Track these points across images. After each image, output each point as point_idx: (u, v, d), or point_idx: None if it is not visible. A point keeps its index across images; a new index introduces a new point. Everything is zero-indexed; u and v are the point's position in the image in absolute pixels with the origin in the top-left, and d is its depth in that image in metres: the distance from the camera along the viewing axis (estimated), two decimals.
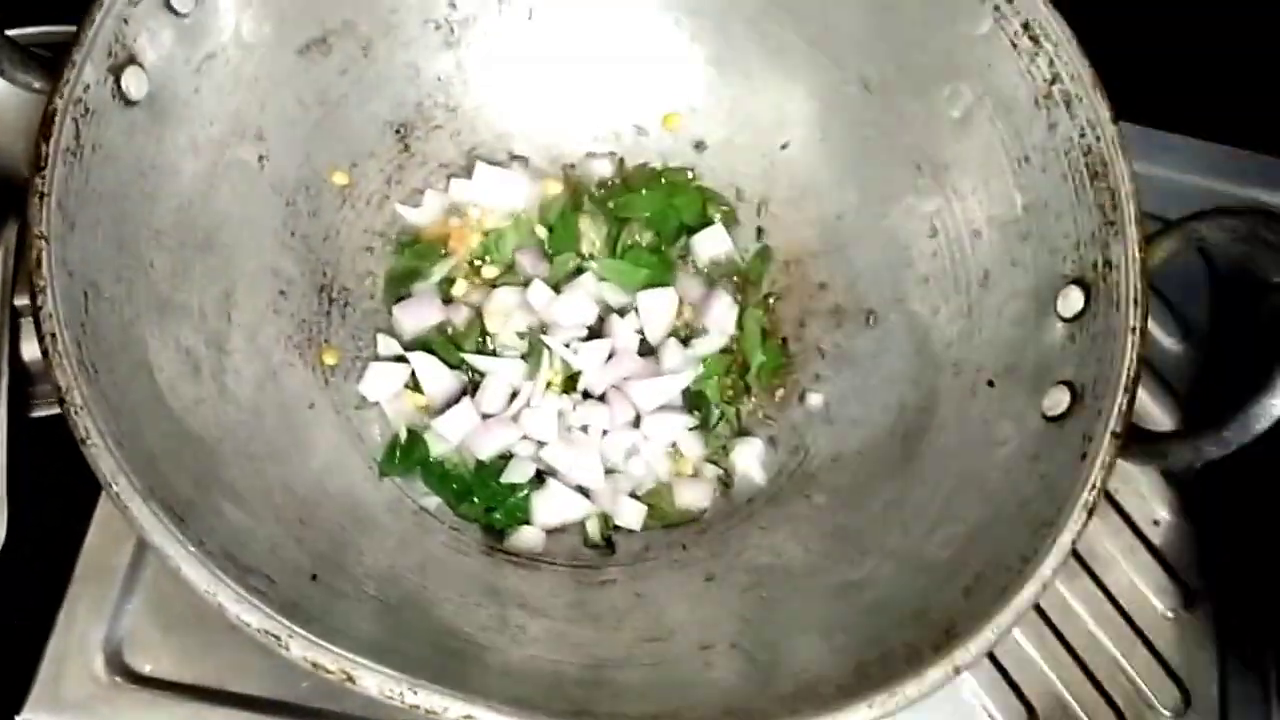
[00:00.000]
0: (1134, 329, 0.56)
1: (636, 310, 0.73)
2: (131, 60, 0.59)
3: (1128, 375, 0.55)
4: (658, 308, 0.74)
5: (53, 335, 0.51)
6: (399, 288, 0.73)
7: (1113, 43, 0.65)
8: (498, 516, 0.67)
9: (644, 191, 0.78)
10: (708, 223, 0.78)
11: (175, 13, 0.61)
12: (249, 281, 0.67)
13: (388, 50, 0.73)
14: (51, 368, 0.51)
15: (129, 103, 0.59)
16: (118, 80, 0.58)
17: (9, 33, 0.59)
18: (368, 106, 0.73)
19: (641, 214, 0.77)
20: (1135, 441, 0.55)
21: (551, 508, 0.67)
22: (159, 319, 0.60)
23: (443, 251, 0.75)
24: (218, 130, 0.65)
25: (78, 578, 0.68)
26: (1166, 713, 0.72)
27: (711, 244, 0.77)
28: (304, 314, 0.70)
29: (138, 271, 0.59)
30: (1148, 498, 0.77)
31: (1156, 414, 0.79)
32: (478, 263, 0.75)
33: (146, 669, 0.66)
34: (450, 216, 0.76)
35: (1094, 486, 0.54)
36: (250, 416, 0.63)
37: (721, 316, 0.74)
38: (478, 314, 0.72)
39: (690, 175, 0.78)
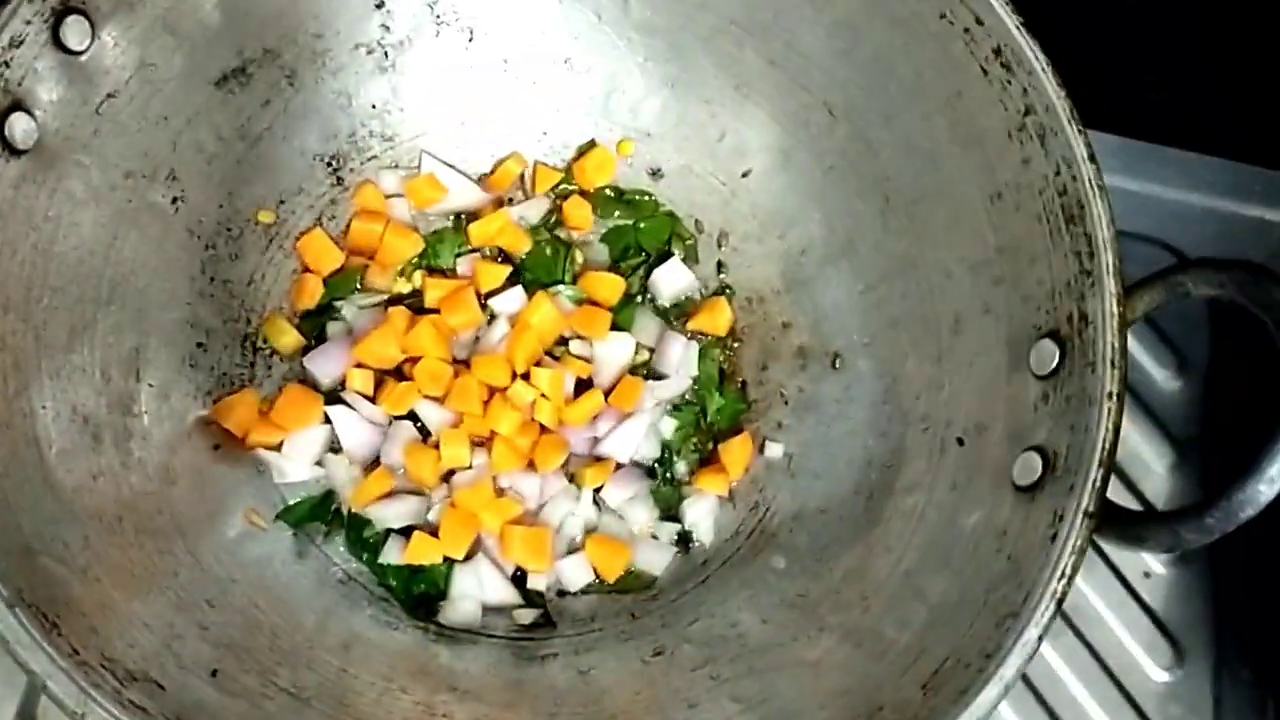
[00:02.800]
0: (1110, 394, 0.51)
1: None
2: (17, 106, 0.54)
3: (1103, 449, 0.50)
4: (614, 356, 0.69)
5: None
6: (313, 329, 0.68)
7: (1101, 50, 0.59)
8: (417, 588, 0.62)
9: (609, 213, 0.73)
10: (667, 254, 0.72)
11: (68, 51, 0.56)
12: (162, 335, 0.62)
13: (315, 78, 0.68)
14: None
15: (15, 152, 0.54)
16: (1, 129, 0.53)
17: None
18: (295, 139, 0.68)
19: (619, 243, 0.72)
20: (1110, 523, 0.50)
21: (469, 586, 0.62)
22: (53, 385, 0.55)
23: (358, 284, 0.69)
24: (122, 173, 0.60)
25: None
26: None
27: (672, 279, 0.72)
28: (225, 367, 0.65)
29: (27, 335, 0.55)
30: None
31: (1148, 456, 0.74)
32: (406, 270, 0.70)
33: None
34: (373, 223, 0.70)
35: (1064, 575, 0.49)
36: (159, 485, 0.59)
37: (679, 359, 0.69)
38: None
39: (652, 200, 0.73)
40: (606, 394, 0.67)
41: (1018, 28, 0.57)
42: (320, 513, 0.63)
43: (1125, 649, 0.70)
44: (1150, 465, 0.74)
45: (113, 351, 0.59)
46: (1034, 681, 0.68)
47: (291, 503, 0.63)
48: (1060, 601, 0.49)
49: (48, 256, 0.56)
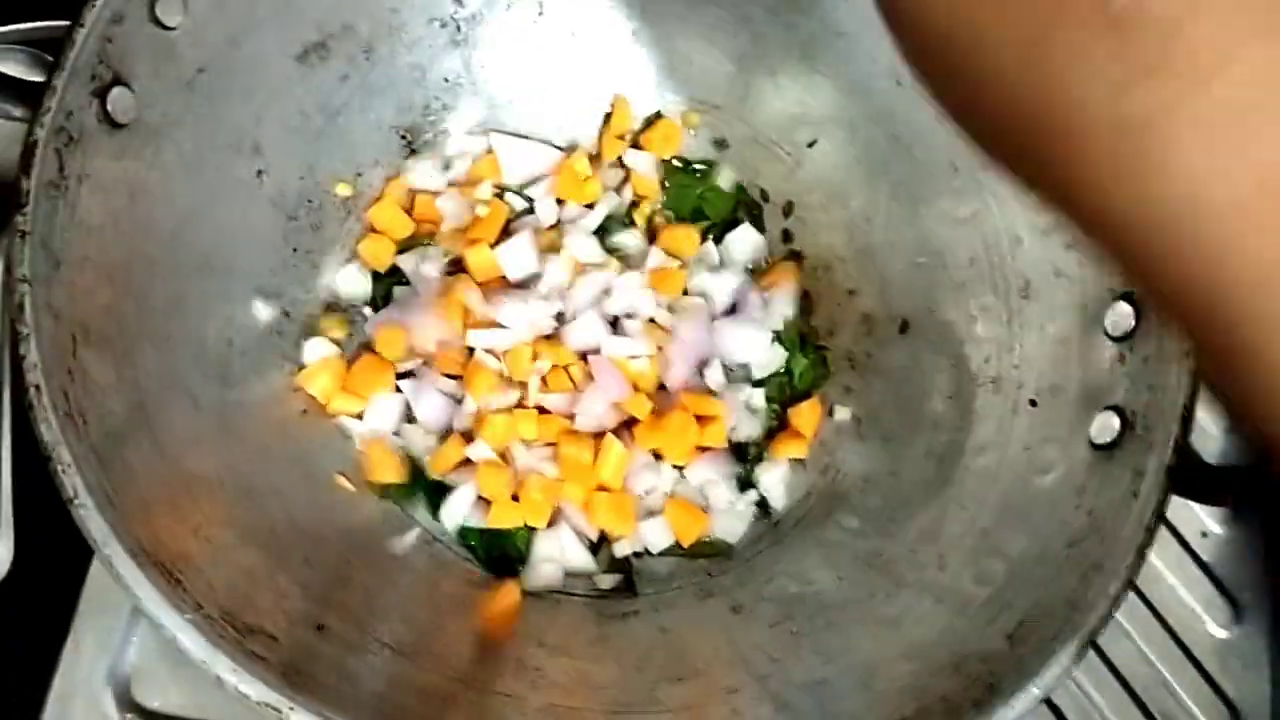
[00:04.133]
0: (1188, 353, 0.53)
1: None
2: (117, 81, 0.55)
3: (1183, 404, 0.52)
4: (743, 244, 0.71)
5: (36, 387, 0.48)
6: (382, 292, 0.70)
7: None
8: (498, 551, 0.64)
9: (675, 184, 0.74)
10: (736, 221, 0.74)
11: (163, 27, 0.58)
12: (250, 304, 0.64)
13: (390, 52, 0.69)
14: (35, 422, 0.48)
15: (116, 126, 0.56)
16: (104, 103, 0.55)
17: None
18: (371, 112, 0.70)
19: (684, 206, 0.74)
20: (1193, 477, 0.51)
21: (551, 550, 0.64)
22: (155, 353, 0.57)
23: (427, 241, 0.71)
24: (212, 147, 0.62)
25: (83, 610, 0.66)
26: None
27: (744, 244, 0.73)
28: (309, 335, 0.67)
29: (130, 305, 0.56)
30: (1196, 509, 0.73)
31: (1202, 417, 0.75)
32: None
33: (155, 704, 0.65)
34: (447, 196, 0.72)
35: (1147, 528, 0.50)
36: (254, 450, 0.60)
37: (765, 312, 0.70)
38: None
39: (718, 170, 0.74)
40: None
41: None
42: (418, 486, 0.65)
43: (1184, 605, 0.71)
44: (1206, 428, 0.75)
45: (205, 320, 0.61)
46: (1096, 640, 0.70)
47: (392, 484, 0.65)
48: (1143, 555, 0.50)
49: (147, 228, 0.58)
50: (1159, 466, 0.51)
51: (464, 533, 0.64)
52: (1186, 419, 0.52)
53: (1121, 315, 0.57)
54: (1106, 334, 0.57)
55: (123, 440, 0.52)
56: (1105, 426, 0.55)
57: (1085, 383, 0.58)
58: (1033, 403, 0.60)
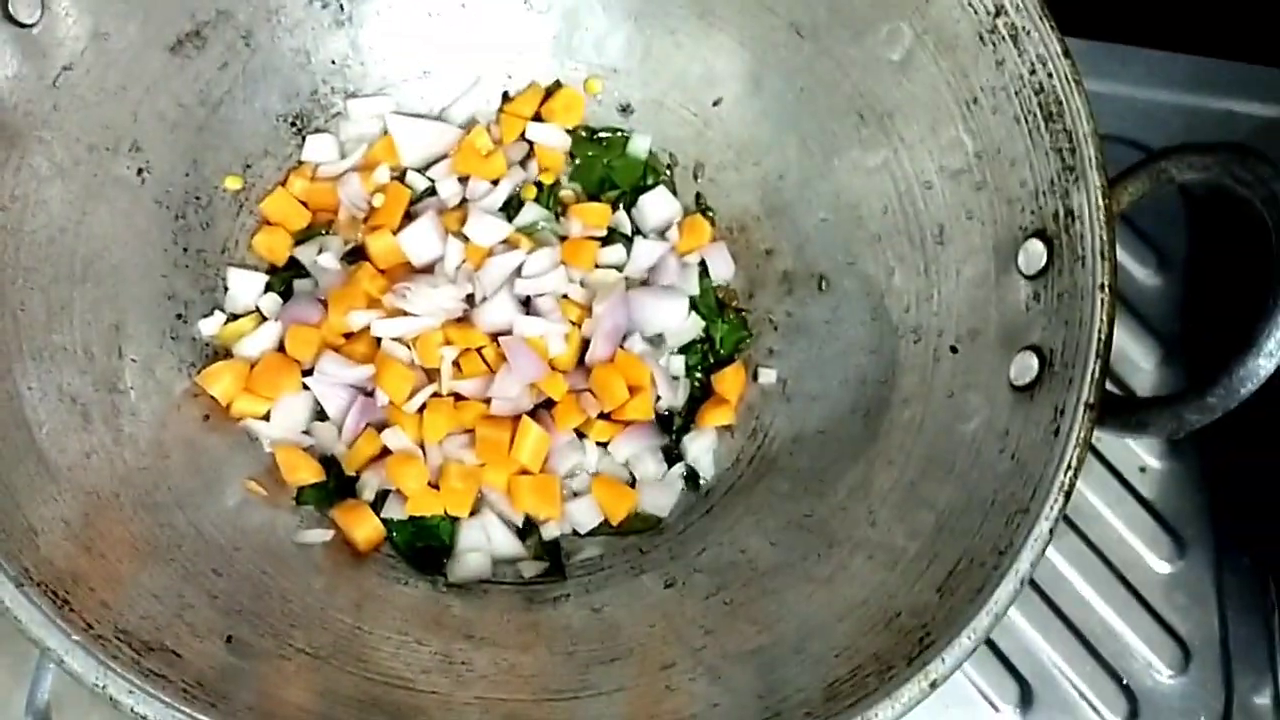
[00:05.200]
0: (1102, 286, 0.51)
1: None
2: None
3: (1098, 340, 0.51)
4: (656, 208, 0.69)
5: None
6: (281, 286, 0.67)
7: None
8: (421, 543, 0.62)
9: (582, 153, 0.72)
10: (646, 187, 0.72)
11: (18, 24, 0.55)
12: (140, 309, 0.61)
13: (271, 37, 0.66)
14: None
15: None
16: None
17: None
18: (256, 101, 0.67)
19: (591, 177, 0.72)
20: (1111, 412, 0.50)
21: (477, 539, 0.62)
22: (36, 366, 0.54)
23: (324, 231, 0.68)
24: (85, 147, 0.59)
25: None
26: (1168, 672, 0.68)
27: (658, 207, 0.71)
28: (207, 338, 0.64)
29: (6, 318, 0.54)
30: (1133, 445, 0.72)
31: (1135, 354, 0.75)
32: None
33: None
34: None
35: (1069, 467, 0.49)
36: (153, 459, 0.58)
37: (682, 278, 0.69)
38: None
39: (623, 136, 0.72)
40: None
41: None
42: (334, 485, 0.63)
43: (1126, 544, 0.71)
44: (1137, 363, 0.74)
45: (93, 329, 0.58)
46: (1039, 583, 0.69)
47: (308, 485, 0.62)
48: (1068, 494, 0.49)
49: (18, 237, 0.55)
50: (1079, 403, 0.50)
51: (385, 525, 0.62)
52: (1104, 353, 0.50)
53: (1034, 253, 0.55)
54: (1020, 273, 0.56)
55: (2, 460, 0.49)
56: (1024, 367, 0.54)
57: (1003, 324, 0.56)
58: (953, 349, 0.59)
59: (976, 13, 0.57)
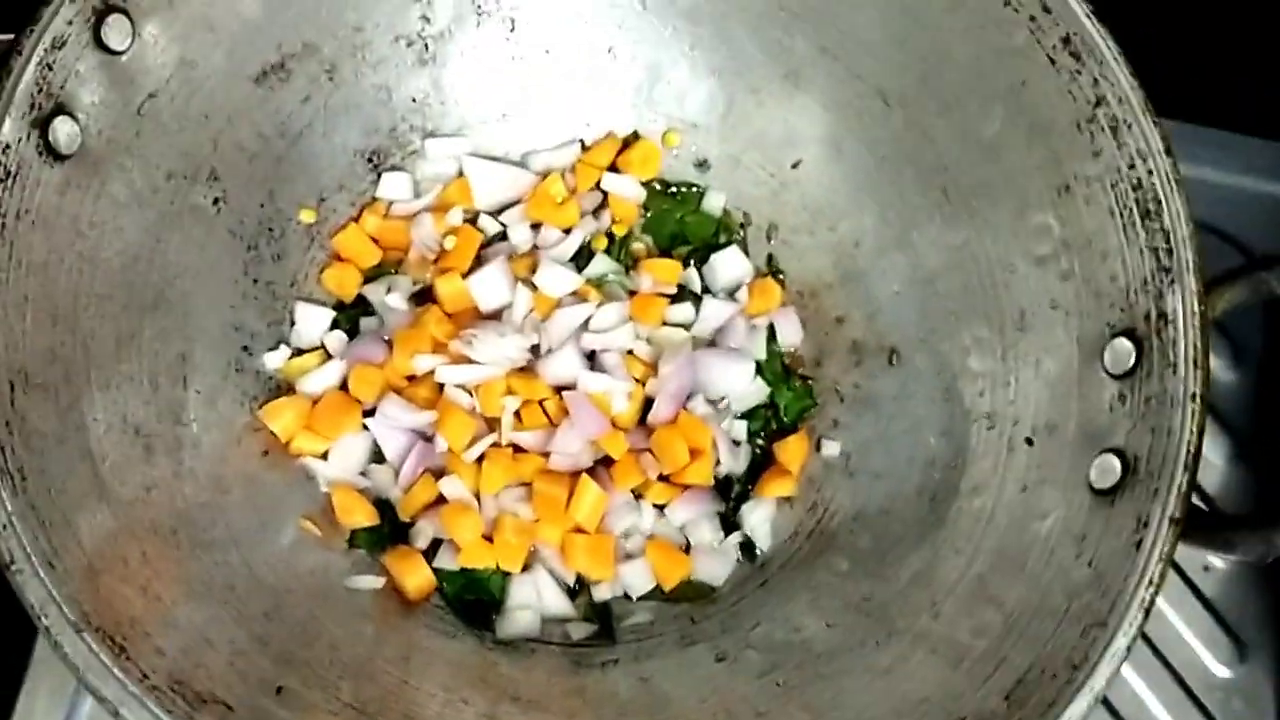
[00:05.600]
0: (1195, 396, 0.50)
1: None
2: (60, 110, 0.52)
3: (1187, 452, 0.49)
4: (728, 268, 0.68)
5: None
6: (349, 323, 0.67)
7: (1166, 32, 0.57)
8: (471, 596, 0.61)
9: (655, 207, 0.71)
10: (718, 245, 0.71)
11: (110, 51, 0.54)
12: (208, 340, 0.61)
13: (355, 72, 0.66)
14: None
15: (59, 157, 0.53)
16: (44, 133, 0.52)
17: None
18: (335, 135, 0.67)
19: (663, 231, 0.71)
20: (1196, 526, 0.48)
21: (527, 596, 0.61)
22: (103, 397, 0.54)
23: (394, 270, 0.68)
24: (165, 175, 0.59)
25: (35, 665, 0.62)
26: None
27: (729, 267, 0.70)
28: (271, 371, 0.64)
29: (76, 347, 0.53)
30: None
31: (1207, 448, 0.72)
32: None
33: None
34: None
35: (1151, 583, 0.48)
36: (211, 495, 0.57)
37: (749, 340, 0.67)
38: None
39: (698, 192, 0.71)
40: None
41: (1088, 15, 0.55)
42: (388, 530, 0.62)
43: (1186, 644, 0.69)
44: (1209, 457, 0.73)
45: (160, 359, 0.58)
46: None
47: (362, 528, 0.62)
48: (1148, 611, 0.48)
49: (94, 264, 0.55)
50: (1163, 516, 0.49)
51: (437, 574, 0.61)
52: (1192, 466, 0.49)
53: (1121, 352, 0.54)
54: (1106, 371, 0.55)
55: (65, 495, 0.49)
56: (1106, 470, 0.53)
57: (1084, 422, 0.55)
58: (1029, 441, 0.58)
59: (1076, 100, 0.56)
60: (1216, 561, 0.70)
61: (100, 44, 0.54)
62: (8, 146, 0.50)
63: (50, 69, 0.52)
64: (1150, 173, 0.53)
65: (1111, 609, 0.48)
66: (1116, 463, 0.52)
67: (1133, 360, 0.53)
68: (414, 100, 0.69)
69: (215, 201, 0.61)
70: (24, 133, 0.50)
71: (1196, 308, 0.51)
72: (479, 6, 0.67)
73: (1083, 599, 0.50)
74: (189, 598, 0.51)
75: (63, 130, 0.52)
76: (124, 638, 0.45)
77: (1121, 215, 0.55)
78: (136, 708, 0.43)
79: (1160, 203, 0.53)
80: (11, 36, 0.51)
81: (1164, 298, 0.52)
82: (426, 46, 0.67)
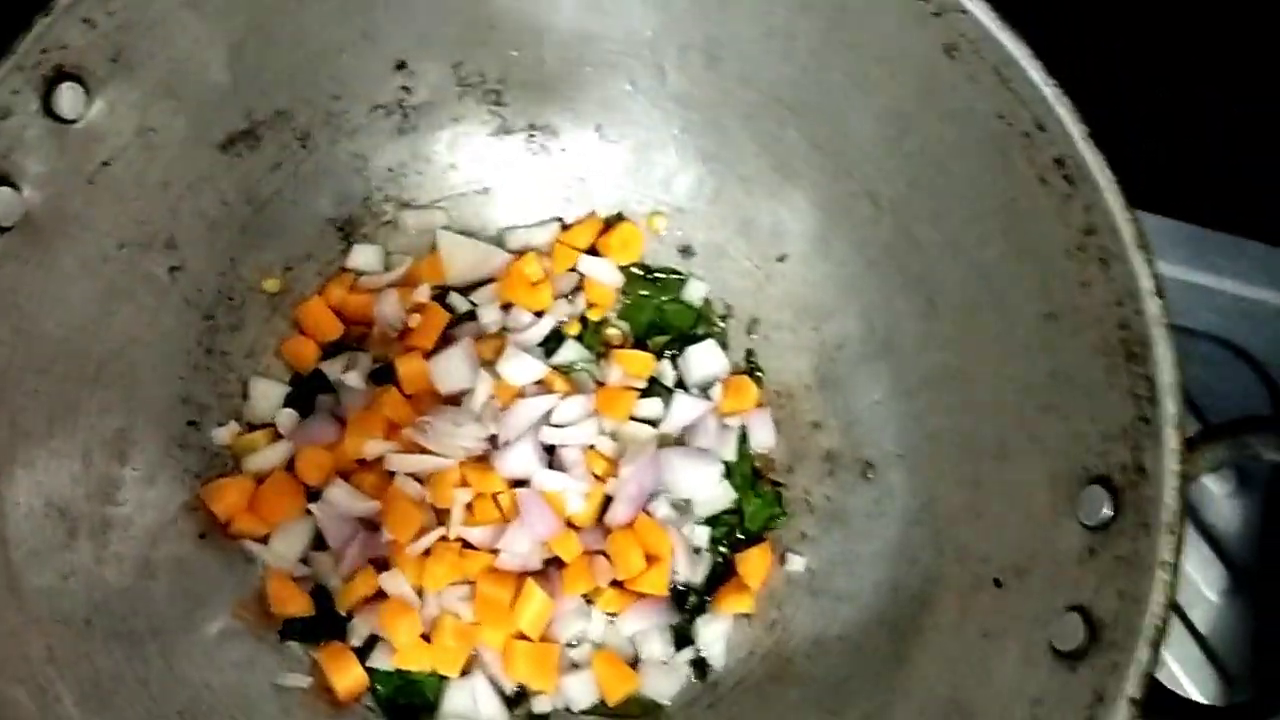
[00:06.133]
0: (1166, 564, 0.46)
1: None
2: (2, 180, 0.51)
3: (1155, 626, 0.45)
4: (703, 362, 0.66)
5: None
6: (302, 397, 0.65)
7: (1168, 132, 0.54)
8: (404, 699, 0.59)
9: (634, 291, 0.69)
10: (695, 336, 0.68)
11: (61, 120, 0.53)
12: (152, 414, 0.59)
13: (329, 140, 0.64)
14: None
15: None
16: None
17: None
18: (305, 203, 0.65)
19: (640, 318, 0.68)
20: (1160, 715, 0.45)
21: (463, 703, 0.58)
22: (27, 476, 0.52)
23: (355, 345, 0.65)
24: (116, 244, 0.57)
25: None
26: None
27: (705, 361, 0.67)
28: (216, 446, 0.62)
29: (1, 423, 0.51)
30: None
31: (1199, 578, 0.69)
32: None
33: None
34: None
35: None
36: (135, 580, 0.55)
37: (719, 441, 0.65)
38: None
39: (680, 280, 0.69)
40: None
41: (1084, 138, 0.52)
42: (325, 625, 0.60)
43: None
44: (1202, 590, 0.69)
45: (96, 434, 0.56)
46: None
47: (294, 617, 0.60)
48: None
49: (30, 338, 0.53)
50: (1120, 695, 0.45)
51: (370, 674, 0.59)
52: (1157, 640, 0.45)
53: (1095, 501, 0.50)
54: (1079, 520, 0.51)
55: None
56: (1069, 631, 0.49)
57: (1053, 572, 0.52)
58: (997, 582, 0.54)
59: (1068, 225, 0.53)
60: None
61: (50, 112, 0.52)
62: None
63: None
64: (1138, 313, 0.50)
65: None
66: (1081, 624, 0.49)
67: (1107, 512, 0.50)
68: (390, 170, 0.66)
69: (172, 270, 0.60)
70: None
71: (1175, 467, 0.47)
72: (462, 78, 0.65)
73: None
74: (94, 700, 0.49)
75: (3, 200, 0.51)
76: None
77: (1107, 354, 0.51)
78: None
79: (1146, 347, 0.49)
80: None
81: (1142, 450, 0.49)
82: (406, 116, 0.65)
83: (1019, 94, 0.53)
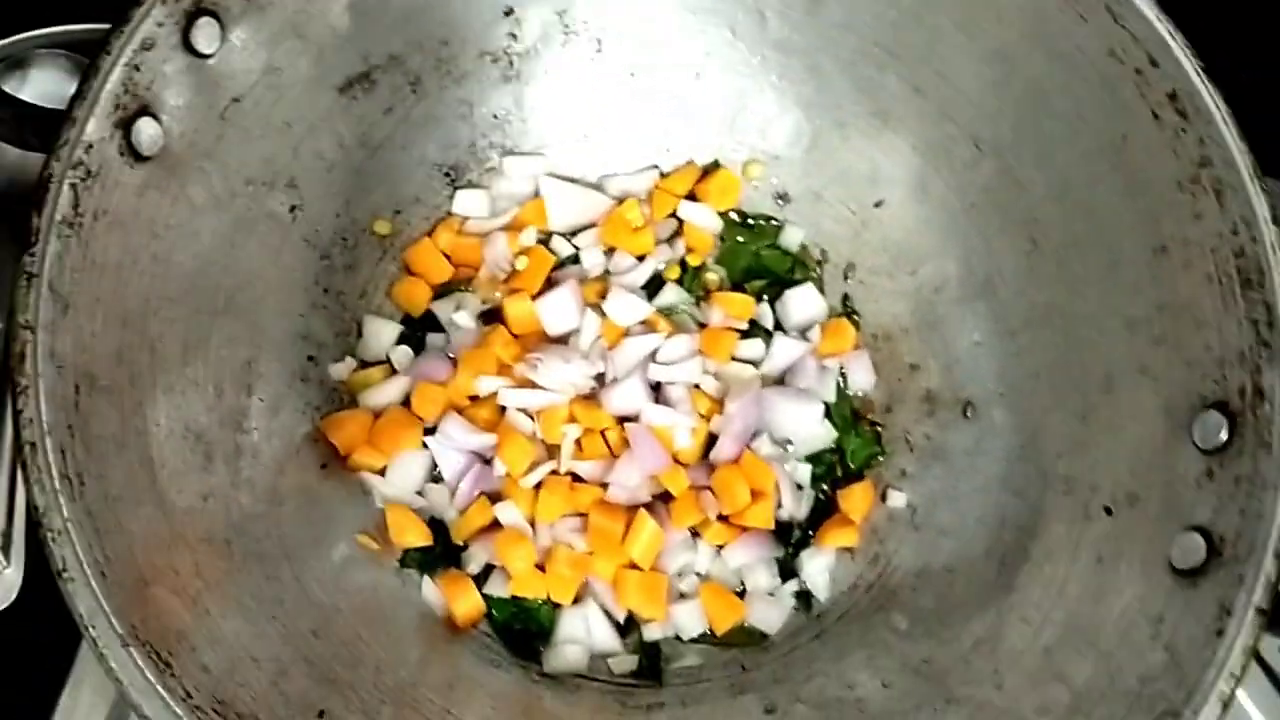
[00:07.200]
0: None
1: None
2: (144, 111, 0.52)
3: (1278, 539, 0.46)
4: (801, 306, 0.67)
5: (31, 445, 0.45)
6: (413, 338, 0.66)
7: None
8: (519, 625, 0.60)
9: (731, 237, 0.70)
10: (792, 281, 0.69)
11: (197, 54, 0.54)
12: (275, 348, 0.61)
13: (439, 85, 0.65)
14: (29, 484, 0.44)
15: (140, 158, 0.52)
16: (127, 134, 0.51)
17: (37, 32, 0.53)
18: (415, 148, 0.66)
19: (736, 264, 0.69)
20: None
21: (576, 630, 0.60)
22: (167, 401, 0.54)
23: (464, 288, 0.67)
24: (243, 180, 0.58)
25: (84, 654, 0.62)
26: None
27: (803, 304, 0.68)
28: (334, 382, 0.63)
29: (144, 349, 0.53)
30: None
31: None
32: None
33: None
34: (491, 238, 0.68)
35: (1232, 675, 0.45)
36: (267, 506, 0.57)
37: (819, 382, 0.66)
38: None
39: (777, 226, 0.70)
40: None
41: (1198, 72, 0.53)
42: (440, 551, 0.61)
43: None
44: None
45: (226, 365, 0.58)
46: None
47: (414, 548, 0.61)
48: (1227, 705, 0.45)
49: (167, 266, 0.54)
50: (1249, 604, 0.46)
51: (486, 601, 0.60)
52: None
53: (1211, 426, 0.52)
54: (1195, 444, 0.52)
55: (122, 502, 0.48)
56: (1189, 549, 0.50)
57: (1168, 496, 0.53)
58: (1108, 510, 0.55)
59: (1179, 159, 0.54)
60: None
61: (189, 47, 0.53)
62: (91, 146, 0.49)
63: (137, 70, 0.51)
64: (1254, 240, 0.51)
65: (1188, 699, 0.46)
66: (1201, 542, 0.50)
67: (1224, 436, 0.51)
68: (495, 117, 0.68)
69: (292, 209, 0.61)
70: (107, 133, 0.50)
71: None
72: (566, 26, 0.66)
73: (1157, 684, 0.47)
74: (237, 612, 0.51)
75: (146, 132, 0.52)
76: (170, 652, 0.45)
77: (1221, 283, 0.52)
78: None
79: (1263, 273, 0.51)
80: (107, 26, 0.51)
81: (1261, 373, 0.50)
82: (512, 63, 0.67)
83: (1131, 31, 0.54)
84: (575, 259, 0.68)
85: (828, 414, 0.66)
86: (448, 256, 0.67)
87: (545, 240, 0.68)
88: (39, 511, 0.44)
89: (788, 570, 0.63)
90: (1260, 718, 0.65)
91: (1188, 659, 0.47)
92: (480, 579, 0.61)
